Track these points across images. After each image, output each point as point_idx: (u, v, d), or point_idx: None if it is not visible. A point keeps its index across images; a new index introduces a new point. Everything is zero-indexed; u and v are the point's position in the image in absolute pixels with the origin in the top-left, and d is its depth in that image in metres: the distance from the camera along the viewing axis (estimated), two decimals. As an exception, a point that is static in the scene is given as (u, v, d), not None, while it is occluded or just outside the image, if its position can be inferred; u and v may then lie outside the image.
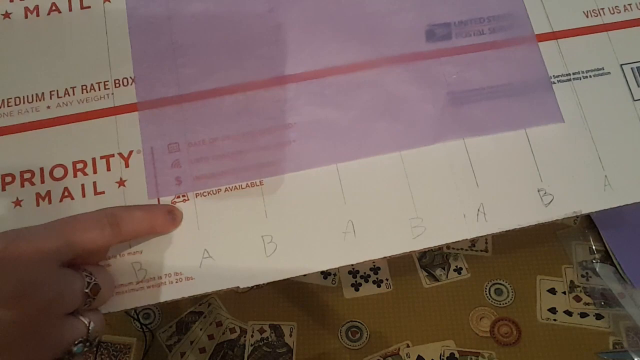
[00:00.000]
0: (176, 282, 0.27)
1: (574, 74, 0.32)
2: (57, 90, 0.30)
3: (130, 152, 0.29)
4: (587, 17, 0.33)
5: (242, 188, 0.29)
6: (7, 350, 0.21)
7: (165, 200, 0.28)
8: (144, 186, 0.28)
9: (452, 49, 0.32)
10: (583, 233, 0.48)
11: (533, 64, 0.32)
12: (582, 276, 0.46)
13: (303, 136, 0.30)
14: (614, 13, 0.33)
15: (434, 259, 0.48)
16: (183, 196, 0.28)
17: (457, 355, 0.44)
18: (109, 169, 0.28)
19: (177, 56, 0.30)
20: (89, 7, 0.31)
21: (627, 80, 0.32)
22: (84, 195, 0.28)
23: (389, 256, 0.29)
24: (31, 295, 0.21)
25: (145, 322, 0.47)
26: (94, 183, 0.28)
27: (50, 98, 0.30)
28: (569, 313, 0.45)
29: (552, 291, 0.46)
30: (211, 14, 0.31)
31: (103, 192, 0.28)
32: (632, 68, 0.32)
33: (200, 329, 0.46)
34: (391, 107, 0.31)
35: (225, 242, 0.28)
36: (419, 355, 0.44)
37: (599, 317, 0.45)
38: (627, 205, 0.30)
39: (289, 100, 0.30)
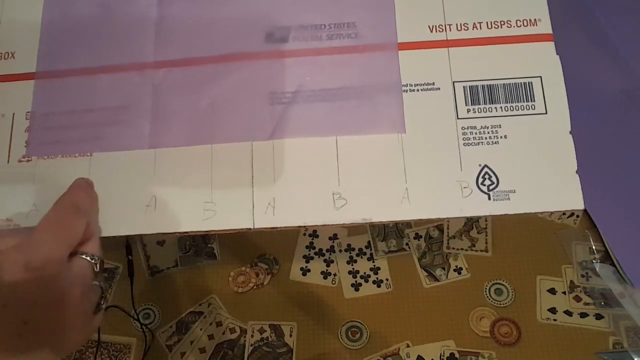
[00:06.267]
0: (7, 227, 0.31)
1: (404, 85, 0.32)
2: None
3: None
4: (432, 31, 0.33)
5: (75, 157, 0.32)
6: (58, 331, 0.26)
7: (13, 160, 0.33)
8: (4, 146, 0.33)
9: (306, 50, 0.33)
10: (583, 233, 0.48)
11: (387, 71, 0.32)
12: (582, 276, 0.46)
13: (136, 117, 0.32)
14: (460, 30, 0.33)
15: (434, 259, 0.48)
16: (28, 158, 0.32)
17: (457, 355, 0.44)
18: None
19: (67, 35, 0.34)
20: None
21: (455, 98, 0.32)
22: None
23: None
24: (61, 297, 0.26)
25: (145, 322, 0.47)
26: None
27: None
28: (569, 313, 0.45)
29: (552, 291, 0.46)
30: (110, 0, 0.34)
31: None
32: (463, 86, 0.32)
33: (200, 329, 0.46)
34: (236, 100, 0.32)
35: (52, 200, 0.30)
36: (419, 355, 0.45)
37: (599, 317, 0.45)
38: (421, 219, 0.31)
39: (142, 84, 0.33)
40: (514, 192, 0.31)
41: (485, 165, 0.31)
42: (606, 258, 0.47)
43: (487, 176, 0.31)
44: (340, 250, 0.48)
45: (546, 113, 0.32)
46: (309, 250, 0.49)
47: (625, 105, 0.50)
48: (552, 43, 0.33)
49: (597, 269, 0.46)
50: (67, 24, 0.34)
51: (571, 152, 0.31)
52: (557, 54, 0.32)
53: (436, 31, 0.33)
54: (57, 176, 0.32)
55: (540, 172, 0.31)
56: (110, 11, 0.34)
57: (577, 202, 0.30)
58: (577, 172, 0.31)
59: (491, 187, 0.31)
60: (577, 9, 0.52)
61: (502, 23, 0.33)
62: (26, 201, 0.32)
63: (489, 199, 0.31)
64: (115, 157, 0.32)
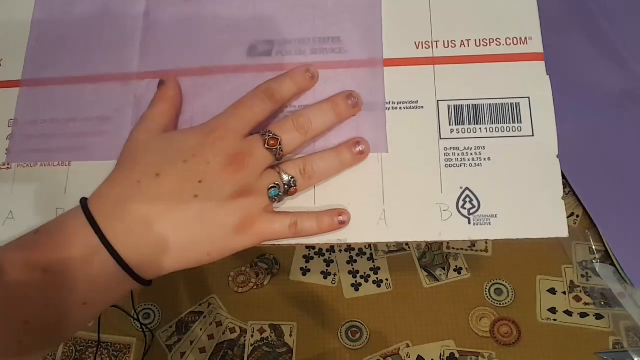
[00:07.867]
0: None
1: (387, 103, 0.31)
2: None
3: None
4: (418, 48, 0.32)
5: (54, 165, 0.32)
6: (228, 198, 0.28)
7: None
8: None
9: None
10: (583, 233, 0.48)
11: (373, 89, 0.31)
12: (582, 276, 0.46)
13: (118, 129, 0.32)
14: (447, 47, 0.32)
15: (434, 259, 0.48)
16: (7, 165, 0.33)
17: (457, 355, 0.44)
18: None
19: (56, 47, 0.34)
20: None
21: (439, 117, 0.31)
22: None
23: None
24: (235, 161, 0.28)
25: (145, 322, 0.47)
26: None
27: None
28: (569, 313, 0.45)
29: (552, 291, 0.46)
30: (98, 10, 0.35)
31: None
32: (448, 105, 0.31)
33: (200, 329, 0.46)
34: (217, 113, 0.31)
35: (29, 209, 0.32)
36: (419, 355, 0.45)
37: (599, 317, 0.45)
38: (399, 242, 0.29)
39: (124, 95, 0.33)
40: (496, 216, 0.29)
41: (467, 188, 0.30)
42: (606, 258, 0.47)
43: (468, 199, 0.30)
44: (340, 250, 0.48)
45: (533, 135, 0.30)
46: (309, 250, 0.49)
47: (625, 105, 0.50)
48: (543, 63, 0.31)
49: (597, 269, 0.46)
50: (56, 33, 0.34)
51: (557, 177, 0.30)
52: (548, 74, 0.31)
53: (422, 48, 0.32)
54: (35, 184, 0.32)
55: (524, 197, 0.30)
56: (98, 21, 0.34)
57: (561, 230, 0.29)
58: (562, 198, 0.29)
59: (472, 211, 0.30)
60: (578, 9, 0.52)
61: (491, 41, 0.32)
62: (3, 208, 0.32)
63: (469, 223, 0.29)
64: (94, 167, 0.32)
